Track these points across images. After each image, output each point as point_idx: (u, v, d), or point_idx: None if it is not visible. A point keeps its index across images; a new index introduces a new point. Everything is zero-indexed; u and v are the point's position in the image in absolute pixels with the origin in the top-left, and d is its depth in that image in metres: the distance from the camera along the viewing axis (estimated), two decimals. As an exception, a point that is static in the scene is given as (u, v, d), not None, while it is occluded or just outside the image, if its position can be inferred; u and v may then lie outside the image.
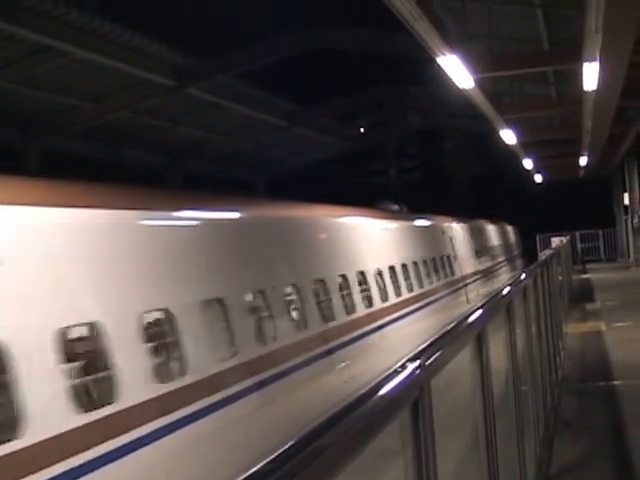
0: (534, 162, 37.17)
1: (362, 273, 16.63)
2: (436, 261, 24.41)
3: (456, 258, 27.36)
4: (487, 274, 33.47)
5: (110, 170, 27.67)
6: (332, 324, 14.15)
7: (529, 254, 44.26)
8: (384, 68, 37.85)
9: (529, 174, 43.36)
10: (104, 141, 27.60)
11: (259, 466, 1.73)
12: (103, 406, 7.57)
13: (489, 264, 35.49)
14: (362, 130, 44.55)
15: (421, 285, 21.66)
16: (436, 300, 22.78)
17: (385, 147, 53.41)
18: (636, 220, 38.80)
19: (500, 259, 39.94)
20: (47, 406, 6.90)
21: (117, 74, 22.50)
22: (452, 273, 26.44)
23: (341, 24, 28.88)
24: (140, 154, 30.31)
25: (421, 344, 3.14)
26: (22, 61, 20.10)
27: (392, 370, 2.65)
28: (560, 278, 16.93)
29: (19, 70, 20.55)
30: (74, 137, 26.19)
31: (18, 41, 18.95)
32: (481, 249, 34.05)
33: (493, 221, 41.55)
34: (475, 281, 29.89)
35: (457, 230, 29.22)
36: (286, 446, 1.85)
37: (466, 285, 28.08)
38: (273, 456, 1.79)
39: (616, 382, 11.39)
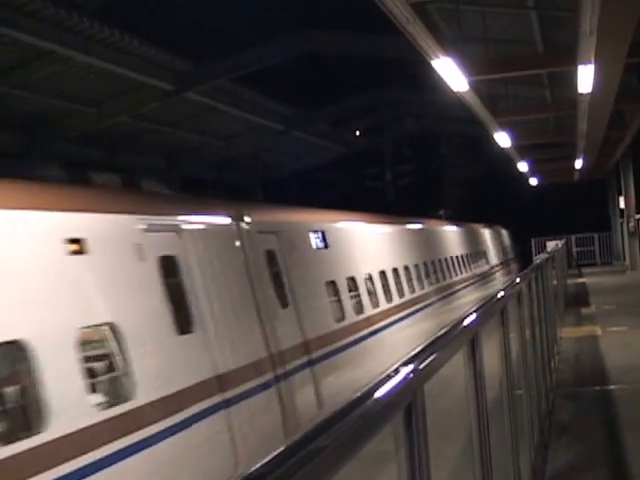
0: (529, 165, 37.19)
1: None
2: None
3: (298, 300, 12.99)
4: (452, 294, 25.54)
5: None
6: None
7: (524, 258, 44.05)
8: (380, 71, 37.81)
9: (524, 177, 43.36)
10: (102, 146, 27.35)
11: (251, 470, 1.70)
12: None
13: (454, 280, 27.02)
14: (358, 133, 44.56)
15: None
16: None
17: (381, 151, 53.36)
18: (632, 224, 38.74)
19: (480, 269, 34.11)
20: None
21: (116, 78, 22.48)
22: (264, 349, 11.24)
23: (337, 27, 28.85)
24: (138, 159, 30.17)
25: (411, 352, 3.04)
26: (24, 66, 20.10)
27: (385, 374, 2.61)
28: (555, 282, 16.87)
29: (21, 75, 20.51)
30: (73, 142, 25.92)
31: (20, 46, 18.93)
32: (434, 260, 25.06)
33: (475, 223, 40.09)
34: (392, 326, 17.63)
35: (306, 238, 14.54)
36: (279, 449, 1.81)
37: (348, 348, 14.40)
38: (266, 460, 1.75)
39: (611, 386, 11.35)
